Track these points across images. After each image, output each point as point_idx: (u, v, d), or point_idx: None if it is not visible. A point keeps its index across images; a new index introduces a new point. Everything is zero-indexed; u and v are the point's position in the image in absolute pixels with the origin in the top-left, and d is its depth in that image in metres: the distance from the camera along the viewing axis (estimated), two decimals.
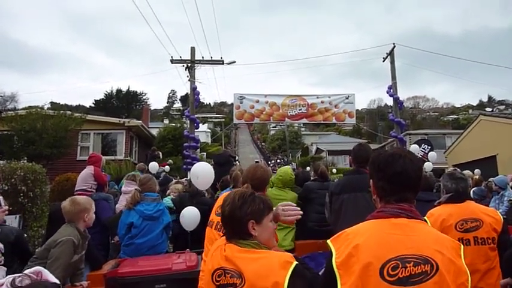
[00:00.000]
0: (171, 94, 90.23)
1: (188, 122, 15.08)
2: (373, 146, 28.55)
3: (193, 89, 14.00)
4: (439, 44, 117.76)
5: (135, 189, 3.92)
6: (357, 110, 20.23)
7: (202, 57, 14.28)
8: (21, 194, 5.25)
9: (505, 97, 73.54)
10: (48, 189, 6.16)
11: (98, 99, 55.54)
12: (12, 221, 4.54)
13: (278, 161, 47.33)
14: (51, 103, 37.60)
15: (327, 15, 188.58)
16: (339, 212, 3.13)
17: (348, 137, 52.58)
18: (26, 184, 5.33)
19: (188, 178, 6.85)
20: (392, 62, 15.09)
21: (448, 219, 2.46)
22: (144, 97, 58.78)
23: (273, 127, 67.19)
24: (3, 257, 2.84)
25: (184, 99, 72.99)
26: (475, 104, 79.07)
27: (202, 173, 4.22)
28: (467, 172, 8.65)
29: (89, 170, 5.12)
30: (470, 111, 69.53)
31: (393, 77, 14.98)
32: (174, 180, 6.77)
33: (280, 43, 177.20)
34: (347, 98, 14.93)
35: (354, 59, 55.04)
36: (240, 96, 14.60)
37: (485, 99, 79.85)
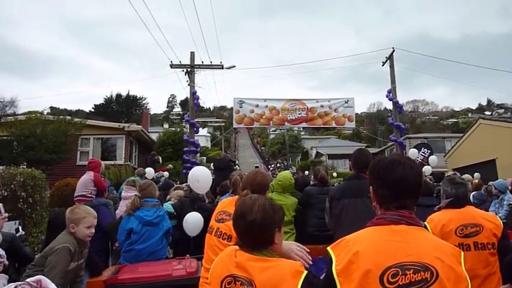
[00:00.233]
0: (170, 99, 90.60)
1: (188, 126, 15.09)
2: (372, 150, 28.60)
3: (193, 93, 14.03)
4: (437, 49, 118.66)
5: (135, 195, 3.92)
6: (357, 114, 20.31)
7: (202, 62, 14.33)
8: (21, 200, 5.25)
9: (504, 100, 74.12)
10: (47, 194, 6.16)
11: (98, 103, 55.68)
12: (12, 227, 4.52)
13: (278, 165, 47.30)
14: (51, 108, 37.57)
15: (326, 20, 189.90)
16: (339, 217, 3.12)
17: (347, 140, 52.58)
18: (25, 190, 5.34)
19: (188, 183, 6.82)
20: (391, 66, 15.12)
21: (448, 224, 2.46)
22: (143, 102, 58.75)
23: (272, 131, 67.19)
24: (7, 262, 2.85)
25: (184, 103, 73.00)
26: (474, 108, 79.38)
27: (201, 176, 4.22)
28: (466, 176, 8.67)
29: (89, 175, 5.12)
30: (469, 114, 69.71)
31: (392, 81, 15.02)
32: (174, 186, 6.74)
33: (279, 48, 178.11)
34: (346, 102, 14.99)
35: (353, 63, 55.47)
36: (240, 101, 14.65)
37: (484, 103, 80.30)
